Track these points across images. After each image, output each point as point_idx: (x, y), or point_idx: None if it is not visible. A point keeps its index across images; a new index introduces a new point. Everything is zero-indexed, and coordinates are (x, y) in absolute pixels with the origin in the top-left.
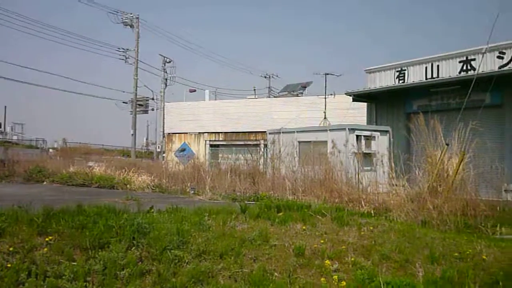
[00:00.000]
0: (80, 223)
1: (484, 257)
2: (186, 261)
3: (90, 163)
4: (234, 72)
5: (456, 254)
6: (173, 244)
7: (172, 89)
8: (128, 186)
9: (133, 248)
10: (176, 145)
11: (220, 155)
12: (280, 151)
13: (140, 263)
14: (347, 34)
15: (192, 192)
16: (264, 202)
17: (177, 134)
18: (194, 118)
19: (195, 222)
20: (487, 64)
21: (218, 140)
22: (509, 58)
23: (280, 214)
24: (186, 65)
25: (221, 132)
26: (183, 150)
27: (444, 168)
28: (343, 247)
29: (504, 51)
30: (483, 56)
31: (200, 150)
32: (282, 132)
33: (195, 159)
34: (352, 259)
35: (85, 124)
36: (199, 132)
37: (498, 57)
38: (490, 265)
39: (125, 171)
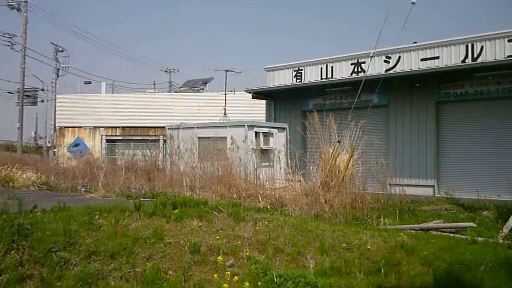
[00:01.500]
0: None
1: (369, 246)
2: (74, 263)
3: None
4: (134, 65)
5: (344, 245)
6: (59, 245)
7: (65, 80)
8: (11, 184)
9: (13, 251)
10: (69, 139)
11: (117, 150)
12: (179, 147)
13: (21, 267)
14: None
15: (84, 189)
16: (160, 199)
17: (70, 128)
18: (90, 112)
19: (85, 222)
20: (375, 67)
21: (115, 135)
22: (395, 62)
23: (176, 211)
24: (81, 56)
25: (119, 127)
26: (76, 145)
27: (336, 164)
28: (239, 242)
29: (390, 55)
30: (370, 60)
31: (96, 145)
32: (182, 128)
33: (90, 154)
34: (247, 254)
35: None
36: (95, 127)
37: (385, 61)
38: (374, 254)
39: (7, 167)
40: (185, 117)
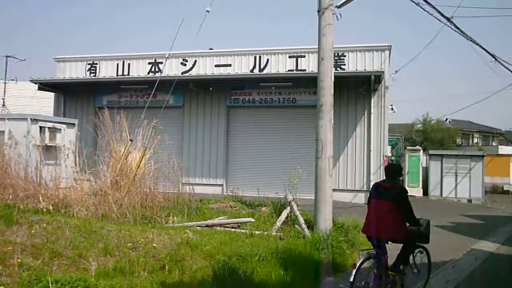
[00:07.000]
0: None
1: (155, 245)
2: None
3: None
4: None
5: (129, 244)
6: None
7: None
8: None
9: None
10: None
11: None
12: None
13: None
14: None
15: None
16: None
17: None
18: None
19: None
20: (172, 69)
21: None
22: (191, 65)
23: None
24: None
25: None
26: None
27: (128, 163)
28: (9, 248)
29: (187, 59)
30: (165, 61)
31: None
32: None
33: None
34: (19, 260)
35: None
36: None
37: (182, 63)
38: (160, 251)
39: None
40: None
